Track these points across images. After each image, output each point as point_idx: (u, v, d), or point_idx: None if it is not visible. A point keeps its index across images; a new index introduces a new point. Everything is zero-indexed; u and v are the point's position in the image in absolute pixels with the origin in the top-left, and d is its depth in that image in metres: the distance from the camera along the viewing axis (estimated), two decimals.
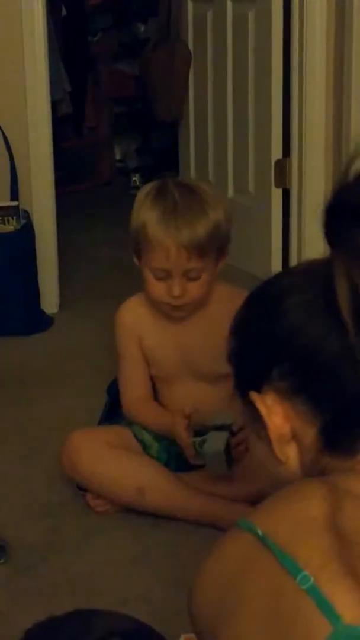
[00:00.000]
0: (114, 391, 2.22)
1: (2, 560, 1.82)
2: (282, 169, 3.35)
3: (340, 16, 3.06)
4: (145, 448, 2.03)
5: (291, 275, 0.96)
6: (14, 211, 3.03)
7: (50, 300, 3.25)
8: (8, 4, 3.05)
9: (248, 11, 3.39)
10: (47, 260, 3.21)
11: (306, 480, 0.88)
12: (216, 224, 1.90)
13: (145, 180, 4.65)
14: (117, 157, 5.61)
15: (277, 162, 3.36)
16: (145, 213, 1.91)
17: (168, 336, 2.03)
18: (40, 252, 3.15)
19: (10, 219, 3.02)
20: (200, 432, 1.93)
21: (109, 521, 1.96)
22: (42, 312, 3.19)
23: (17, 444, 2.32)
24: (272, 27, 3.25)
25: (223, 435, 1.87)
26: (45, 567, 1.81)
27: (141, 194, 1.96)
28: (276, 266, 3.40)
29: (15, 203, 3.05)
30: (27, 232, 3.07)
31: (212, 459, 1.89)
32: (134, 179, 5.23)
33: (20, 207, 3.06)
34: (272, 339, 0.90)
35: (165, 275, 1.92)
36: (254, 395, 0.92)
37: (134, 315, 2.07)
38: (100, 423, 2.21)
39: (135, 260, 1.98)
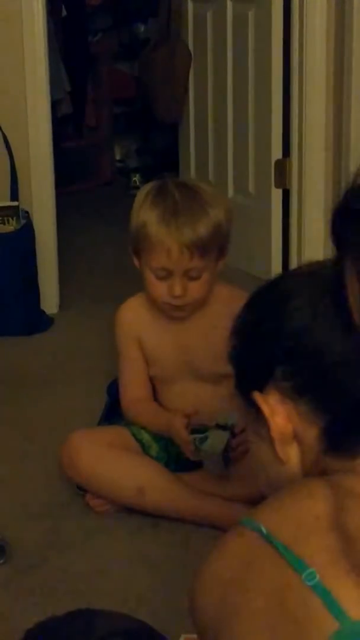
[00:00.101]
0: (114, 391, 2.22)
1: (2, 561, 1.81)
2: (282, 169, 3.35)
3: (340, 16, 3.06)
4: (144, 448, 2.03)
5: (295, 276, 0.97)
6: (14, 211, 3.03)
7: (50, 300, 3.24)
8: (8, 4, 3.05)
9: (248, 11, 3.39)
10: (47, 260, 3.21)
11: (310, 479, 0.89)
12: (217, 223, 1.90)
13: (145, 180, 4.64)
14: (117, 157, 5.61)
15: (277, 162, 3.36)
16: (146, 213, 1.91)
17: (168, 336, 2.03)
18: (40, 252, 3.15)
19: (10, 219, 3.02)
20: (199, 430, 1.93)
21: (109, 521, 1.96)
22: (42, 312, 3.19)
23: (17, 444, 2.32)
24: (272, 27, 3.25)
25: (224, 435, 1.87)
26: (45, 567, 1.81)
27: (141, 194, 1.96)
28: (276, 266, 3.40)
29: (15, 203, 3.05)
30: (27, 232, 3.07)
31: (210, 458, 1.89)
32: (134, 179, 5.23)
33: (20, 207, 3.06)
34: (276, 339, 0.91)
35: (166, 275, 1.92)
36: (256, 395, 0.92)
37: (133, 316, 2.08)
38: (99, 423, 2.21)
39: (135, 260, 1.98)
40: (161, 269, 1.91)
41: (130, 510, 1.96)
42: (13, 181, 3.08)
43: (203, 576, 0.88)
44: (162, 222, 1.88)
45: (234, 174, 3.64)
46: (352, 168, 3.09)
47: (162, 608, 1.63)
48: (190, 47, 3.92)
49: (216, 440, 1.88)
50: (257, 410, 0.92)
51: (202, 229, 1.88)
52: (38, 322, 3.13)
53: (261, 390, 0.92)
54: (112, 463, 1.95)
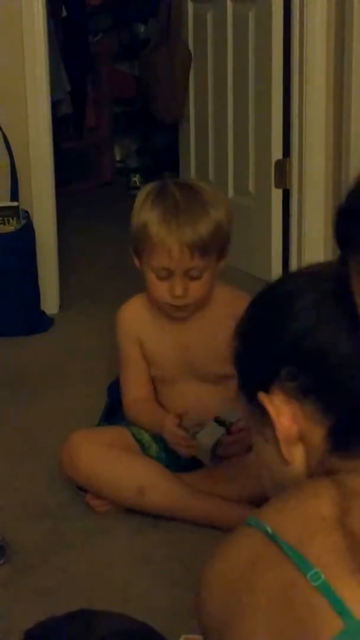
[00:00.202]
0: (113, 392, 2.22)
1: (2, 561, 1.81)
2: (282, 170, 3.35)
3: (340, 16, 3.06)
4: (144, 449, 2.03)
5: (300, 276, 0.97)
6: (14, 211, 3.03)
7: (50, 300, 3.25)
8: (8, 4, 3.05)
9: (248, 11, 3.39)
10: (47, 260, 3.21)
11: (316, 479, 0.89)
12: (218, 223, 1.90)
13: (145, 180, 4.65)
14: (117, 157, 5.62)
15: (277, 163, 3.36)
16: (146, 213, 1.91)
17: (168, 337, 2.03)
18: (40, 252, 3.15)
19: (11, 219, 3.02)
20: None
21: (109, 521, 1.96)
22: (43, 312, 3.19)
23: (17, 444, 2.32)
24: (272, 27, 3.25)
25: (218, 431, 1.88)
26: (45, 567, 1.81)
27: (141, 195, 1.96)
28: (276, 266, 3.40)
29: (15, 203, 3.06)
30: (27, 233, 3.07)
31: (201, 447, 1.90)
32: (134, 179, 5.23)
33: (21, 207, 3.06)
34: (282, 339, 0.91)
35: (167, 275, 1.92)
36: (261, 396, 0.92)
37: (134, 316, 2.08)
38: (99, 424, 2.21)
39: (136, 261, 1.98)
40: (162, 268, 1.91)
41: (130, 510, 1.96)
42: (13, 181, 3.08)
43: (208, 576, 0.88)
44: (163, 222, 1.88)
45: (234, 174, 3.64)
46: (352, 168, 3.10)
47: (162, 608, 1.63)
48: (190, 47, 3.92)
49: (210, 433, 1.89)
50: (262, 411, 0.92)
51: (203, 228, 1.88)
52: (38, 322, 3.13)
53: (266, 390, 0.92)
54: (112, 463, 1.95)
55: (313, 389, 0.89)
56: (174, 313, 1.98)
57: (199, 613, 0.89)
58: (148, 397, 2.07)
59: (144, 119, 5.22)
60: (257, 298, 0.98)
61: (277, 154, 3.35)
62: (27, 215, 3.09)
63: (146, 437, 2.04)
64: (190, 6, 3.90)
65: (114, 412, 2.20)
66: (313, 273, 0.95)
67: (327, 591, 0.75)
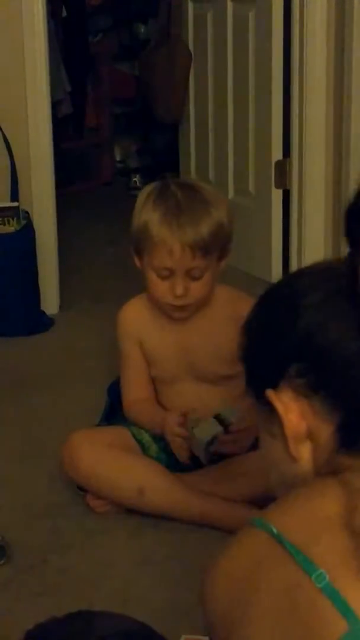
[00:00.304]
0: (114, 392, 2.22)
1: (2, 561, 1.81)
2: (282, 170, 3.35)
3: (340, 16, 3.06)
4: (144, 449, 2.03)
5: (309, 273, 0.96)
6: (14, 212, 3.03)
7: (50, 300, 3.24)
8: (9, 4, 3.05)
9: (248, 11, 3.39)
10: (47, 260, 3.21)
11: (322, 478, 0.88)
12: (219, 223, 1.91)
13: (145, 180, 4.65)
14: (118, 157, 5.62)
15: (277, 163, 3.36)
16: (148, 213, 1.91)
17: (169, 337, 2.03)
18: (41, 252, 3.15)
19: (11, 219, 3.02)
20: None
21: (109, 521, 1.96)
22: (43, 312, 3.19)
23: (17, 444, 2.32)
24: (272, 27, 3.25)
25: (216, 428, 1.88)
26: (45, 568, 1.81)
27: (142, 195, 1.96)
28: (276, 266, 3.40)
29: (15, 204, 3.05)
30: (27, 233, 3.07)
31: (196, 442, 1.90)
32: (134, 179, 5.23)
33: (21, 207, 3.06)
34: (290, 336, 0.91)
35: (168, 274, 1.92)
36: (270, 393, 0.91)
37: (135, 316, 2.08)
38: (99, 424, 2.21)
39: (137, 261, 1.98)
40: (163, 268, 1.91)
41: (130, 510, 1.96)
42: (13, 181, 3.08)
43: (214, 575, 0.88)
44: (165, 221, 1.88)
45: (234, 174, 3.64)
46: (352, 168, 3.10)
47: (162, 608, 1.63)
48: (190, 47, 3.92)
49: (207, 429, 1.89)
50: (270, 408, 0.92)
51: (205, 228, 1.88)
52: (38, 322, 3.13)
53: (274, 387, 0.92)
54: (112, 463, 1.95)
55: (321, 386, 0.89)
56: (175, 313, 1.98)
57: (205, 611, 0.89)
58: (148, 398, 2.07)
59: (144, 119, 5.22)
60: (265, 295, 0.98)
61: (277, 154, 3.35)
62: (27, 216, 3.09)
63: (146, 437, 2.04)
64: (190, 6, 3.90)
65: (114, 412, 2.20)
66: (321, 270, 0.95)
67: (331, 593, 0.75)
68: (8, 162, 3.08)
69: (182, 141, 4.16)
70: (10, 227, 3.02)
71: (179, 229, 1.87)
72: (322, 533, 0.79)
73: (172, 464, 2.00)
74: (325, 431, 0.89)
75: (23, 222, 3.05)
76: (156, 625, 1.24)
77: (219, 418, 1.89)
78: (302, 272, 0.98)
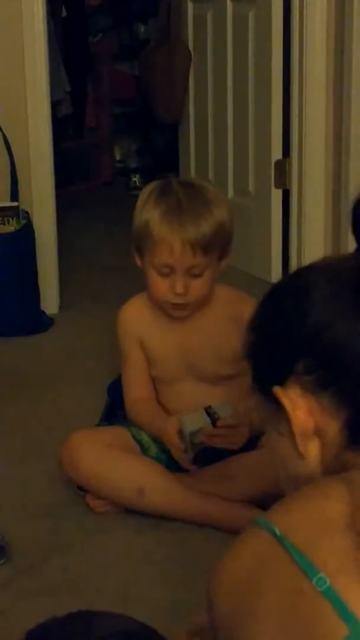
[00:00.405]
0: (114, 392, 2.22)
1: (2, 561, 1.81)
2: (282, 170, 3.35)
3: (340, 16, 3.06)
4: (143, 449, 2.03)
5: (316, 269, 0.96)
6: (14, 212, 3.03)
7: (50, 300, 3.24)
8: (8, 4, 3.05)
9: (248, 11, 3.39)
10: (47, 260, 3.21)
11: (326, 479, 0.88)
12: (220, 222, 1.91)
13: (145, 180, 4.65)
14: (117, 157, 5.62)
15: (277, 163, 3.36)
16: (149, 211, 1.91)
17: (170, 337, 2.03)
18: (40, 252, 3.15)
19: (11, 219, 3.02)
20: None
21: (109, 521, 1.96)
22: (42, 312, 3.19)
23: (17, 444, 2.32)
24: (272, 27, 3.25)
25: (204, 420, 1.87)
26: (45, 568, 1.81)
27: (144, 193, 1.97)
28: (276, 266, 3.41)
29: (15, 204, 3.05)
30: (27, 233, 3.07)
31: (181, 432, 1.90)
32: (134, 179, 5.23)
33: (21, 207, 3.06)
34: (298, 333, 0.90)
35: (168, 272, 1.92)
36: (277, 390, 0.91)
37: (135, 316, 2.08)
38: (99, 424, 2.21)
39: (137, 259, 1.98)
40: (164, 265, 1.91)
41: (130, 510, 1.95)
42: (13, 181, 3.08)
43: (220, 574, 0.88)
44: (165, 219, 1.89)
45: (234, 174, 3.64)
46: (352, 168, 3.10)
47: (163, 608, 1.63)
48: (190, 47, 3.93)
49: (194, 419, 1.88)
50: (277, 405, 0.91)
51: (206, 226, 1.89)
52: (38, 322, 3.13)
53: (281, 384, 0.91)
54: (112, 463, 1.95)
55: (329, 383, 0.89)
56: (175, 312, 1.98)
57: (210, 608, 0.89)
58: (150, 398, 2.07)
59: (144, 119, 5.22)
60: (272, 291, 0.97)
61: (277, 154, 3.36)
62: (27, 216, 3.09)
63: (146, 438, 2.04)
64: (190, 6, 3.90)
65: (114, 412, 2.20)
66: (329, 266, 0.94)
67: (332, 596, 0.75)
68: (8, 162, 3.08)
69: (182, 141, 4.16)
70: (10, 227, 3.02)
71: (180, 227, 1.88)
72: (324, 535, 0.79)
73: (172, 464, 2.00)
74: (333, 428, 0.89)
75: (23, 222, 3.05)
76: (156, 625, 1.24)
77: (208, 411, 1.89)
78: (309, 268, 0.97)
